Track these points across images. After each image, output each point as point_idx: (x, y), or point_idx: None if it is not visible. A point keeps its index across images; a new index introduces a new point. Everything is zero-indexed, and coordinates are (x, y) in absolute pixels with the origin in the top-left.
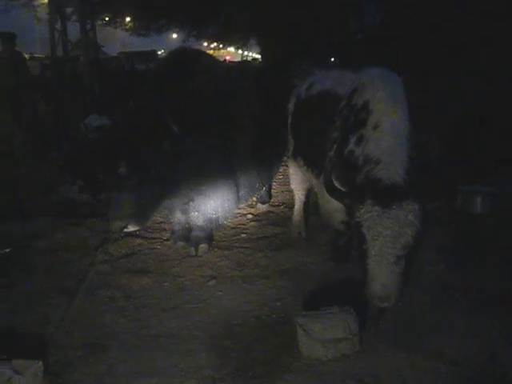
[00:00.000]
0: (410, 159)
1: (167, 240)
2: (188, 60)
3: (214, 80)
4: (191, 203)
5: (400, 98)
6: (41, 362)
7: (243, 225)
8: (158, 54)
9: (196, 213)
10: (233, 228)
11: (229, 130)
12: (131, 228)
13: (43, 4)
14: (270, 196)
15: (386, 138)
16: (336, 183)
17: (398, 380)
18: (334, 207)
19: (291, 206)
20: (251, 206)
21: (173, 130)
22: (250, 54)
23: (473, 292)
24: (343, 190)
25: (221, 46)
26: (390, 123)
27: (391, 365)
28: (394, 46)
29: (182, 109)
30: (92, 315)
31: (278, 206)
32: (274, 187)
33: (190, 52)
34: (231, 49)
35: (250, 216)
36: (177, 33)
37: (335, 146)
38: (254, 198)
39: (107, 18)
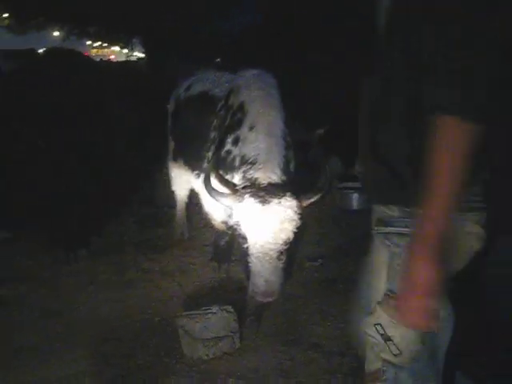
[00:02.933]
0: (286, 158)
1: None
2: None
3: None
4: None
5: (274, 98)
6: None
7: (125, 228)
8: (37, 53)
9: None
10: (113, 232)
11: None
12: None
13: None
14: (152, 198)
15: (261, 138)
16: (214, 183)
17: (279, 373)
18: (214, 207)
19: (174, 207)
20: (133, 209)
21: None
22: (135, 53)
23: (349, 284)
24: (222, 190)
25: (105, 44)
26: (265, 123)
27: (272, 359)
28: (272, 46)
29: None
30: None
31: (160, 207)
32: (156, 188)
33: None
34: (116, 48)
35: (131, 219)
36: (58, 31)
37: (213, 146)
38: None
39: None
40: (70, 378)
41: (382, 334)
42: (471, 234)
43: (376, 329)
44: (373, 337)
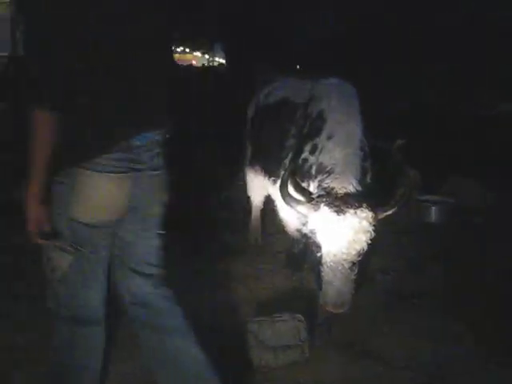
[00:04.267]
0: (363, 168)
1: None
2: None
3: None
4: None
5: (354, 107)
6: None
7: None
8: None
9: None
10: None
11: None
12: None
13: None
14: (229, 202)
15: (339, 147)
16: (290, 190)
17: None
18: (289, 214)
19: (250, 213)
20: (209, 212)
21: None
22: (216, 58)
23: (424, 298)
24: (297, 197)
25: (187, 50)
26: (343, 133)
27: (339, 371)
28: (353, 54)
29: None
30: None
31: (236, 212)
32: (232, 192)
33: None
34: (198, 53)
35: (207, 222)
36: None
37: (290, 153)
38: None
39: None
40: (126, 377)
41: (47, 257)
42: (111, 191)
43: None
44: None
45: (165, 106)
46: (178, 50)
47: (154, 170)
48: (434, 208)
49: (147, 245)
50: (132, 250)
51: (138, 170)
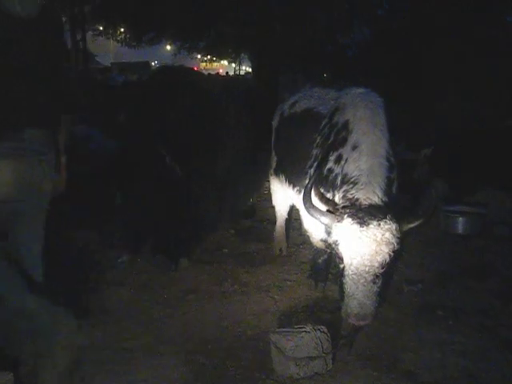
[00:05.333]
0: (389, 180)
1: (147, 253)
2: (170, 85)
3: (202, 105)
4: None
5: (380, 117)
6: (11, 374)
7: (225, 239)
8: (151, 65)
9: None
10: (214, 243)
11: (218, 150)
12: (125, 258)
13: None
14: (253, 211)
15: (364, 158)
16: (314, 201)
17: None
18: (314, 225)
19: (274, 222)
20: (235, 221)
21: (175, 171)
22: (243, 67)
23: (450, 311)
24: (321, 207)
25: (214, 58)
26: (369, 143)
27: None
28: (381, 63)
29: (182, 150)
30: None
31: (261, 221)
32: (258, 203)
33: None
34: (225, 62)
35: (232, 231)
36: (169, 45)
37: (315, 163)
38: (238, 213)
39: (101, 28)
40: None
41: None
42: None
43: None
44: None
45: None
46: (205, 58)
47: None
48: (461, 219)
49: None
50: None
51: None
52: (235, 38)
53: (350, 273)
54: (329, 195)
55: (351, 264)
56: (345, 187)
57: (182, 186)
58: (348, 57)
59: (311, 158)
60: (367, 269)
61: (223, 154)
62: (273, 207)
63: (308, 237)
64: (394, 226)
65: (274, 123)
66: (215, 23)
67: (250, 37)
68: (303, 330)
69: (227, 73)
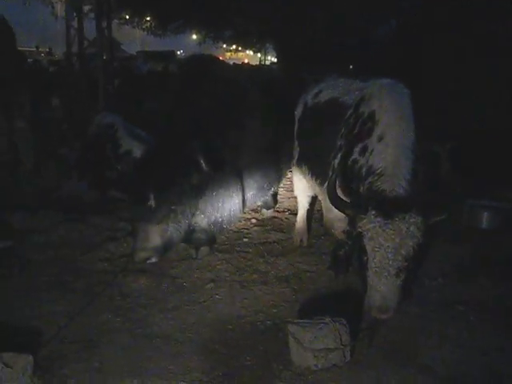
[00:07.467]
0: (414, 172)
1: None
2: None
3: (229, 97)
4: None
5: (406, 109)
6: (31, 356)
7: (246, 229)
8: (176, 54)
9: (201, 215)
10: (236, 232)
11: (242, 140)
12: (154, 259)
13: (61, 0)
14: (275, 201)
15: (390, 149)
16: (339, 192)
17: None
18: (336, 216)
19: (296, 213)
20: (256, 211)
21: (202, 167)
22: (269, 57)
23: (472, 307)
24: (346, 199)
25: (239, 48)
26: (395, 135)
27: (381, 378)
28: (408, 55)
29: (211, 147)
30: (87, 312)
31: (282, 211)
32: (280, 193)
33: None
34: (250, 51)
35: (253, 221)
36: (195, 34)
37: (339, 154)
38: (260, 203)
39: (127, 17)
40: (179, 372)
41: None
42: None
43: None
44: None
45: None
46: (231, 48)
47: None
48: (485, 213)
49: None
50: None
51: None
52: (257, 31)
53: (374, 266)
54: (354, 187)
55: (375, 257)
56: (370, 179)
57: (206, 178)
58: (374, 48)
59: (335, 148)
60: (391, 262)
61: (248, 144)
62: (295, 197)
63: (329, 228)
64: (419, 220)
65: (297, 113)
66: (236, 15)
67: (271, 31)
68: (322, 321)
69: (248, 63)
